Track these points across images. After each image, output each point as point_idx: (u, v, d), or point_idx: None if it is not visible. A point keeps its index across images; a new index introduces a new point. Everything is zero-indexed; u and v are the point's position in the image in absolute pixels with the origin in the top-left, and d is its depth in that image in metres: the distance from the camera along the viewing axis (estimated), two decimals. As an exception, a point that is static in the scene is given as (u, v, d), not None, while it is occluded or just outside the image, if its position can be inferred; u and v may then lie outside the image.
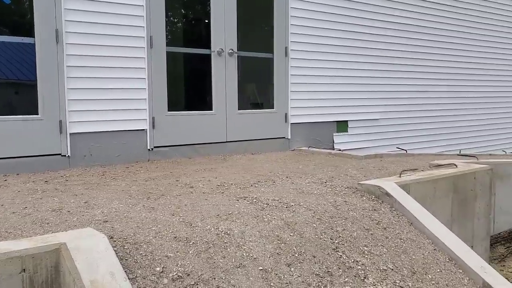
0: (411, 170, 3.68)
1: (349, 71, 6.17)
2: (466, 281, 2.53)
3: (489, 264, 4.09)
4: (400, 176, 3.47)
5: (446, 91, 7.36)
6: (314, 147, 5.62)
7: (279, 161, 4.76)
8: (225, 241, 2.28)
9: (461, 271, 2.61)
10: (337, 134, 6.11)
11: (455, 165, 3.90)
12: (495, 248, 4.34)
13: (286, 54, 5.57)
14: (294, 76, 5.64)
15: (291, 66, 5.61)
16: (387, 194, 3.10)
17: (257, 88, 5.62)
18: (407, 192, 3.28)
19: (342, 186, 3.45)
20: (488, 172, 3.96)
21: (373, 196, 3.19)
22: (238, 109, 5.31)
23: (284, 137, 5.63)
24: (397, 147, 5.75)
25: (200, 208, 2.75)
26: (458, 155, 4.73)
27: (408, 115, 6.85)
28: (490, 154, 6.26)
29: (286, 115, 5.62)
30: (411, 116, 6.89)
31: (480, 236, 3.91)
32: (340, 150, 5.14)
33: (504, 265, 4.05)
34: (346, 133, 6.21)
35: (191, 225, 2.43)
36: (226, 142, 5.23)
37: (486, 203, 3.97)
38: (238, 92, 5.31)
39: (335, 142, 6.06)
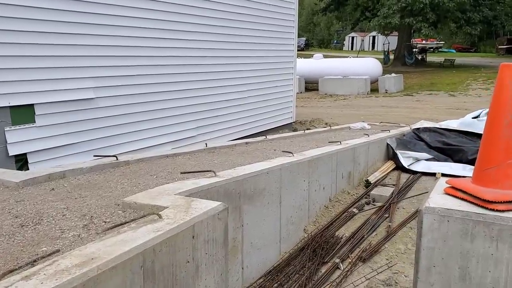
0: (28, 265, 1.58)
1: (27, 22, 3.70)
2: None
3: None
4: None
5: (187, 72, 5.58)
6: None
7: None
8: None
9: None
10: (13, 128, 3.63)
11: (158, 215, 1.99)
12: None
13: None
14: None
15: None
16: None
17: None
18: None
19: None
20: (222, 215, 2.20)
21: None
22: None
23: None
24: (94, 155, 3.63)
25: None
26: (185, 172, 2.87)
27: (141, 90, 4.79)
28: (236, 144, 4.77)
29: None
30: (145, 92, 4.84)
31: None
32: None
33: None
34: (32, 125, 3.78)
35: None
36: None
37: (220, 270, 2.23)
38: None
39: (9, 142, 3.59)
